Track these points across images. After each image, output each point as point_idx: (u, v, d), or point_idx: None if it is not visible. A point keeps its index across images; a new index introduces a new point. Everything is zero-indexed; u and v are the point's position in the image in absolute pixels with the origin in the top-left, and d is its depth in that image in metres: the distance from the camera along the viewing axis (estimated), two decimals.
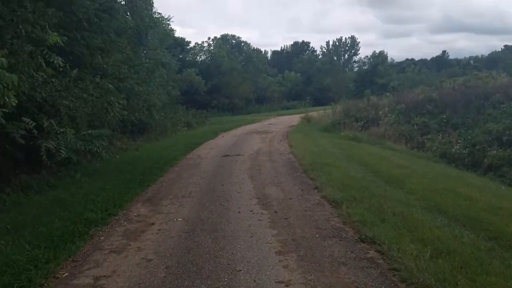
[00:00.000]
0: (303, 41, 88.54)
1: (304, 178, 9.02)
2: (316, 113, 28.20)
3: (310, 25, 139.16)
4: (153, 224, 6.26)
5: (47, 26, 6.59)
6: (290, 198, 7.38)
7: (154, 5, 23.62)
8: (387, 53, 73.46)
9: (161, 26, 21.09)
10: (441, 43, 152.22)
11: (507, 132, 13.97)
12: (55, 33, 6.13)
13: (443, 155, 14.15)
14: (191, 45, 42.99)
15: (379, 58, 66.23)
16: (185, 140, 17.82)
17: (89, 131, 6.87)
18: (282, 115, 35.97)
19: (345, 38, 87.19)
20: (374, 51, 74.64)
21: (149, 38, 12.65)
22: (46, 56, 6.28)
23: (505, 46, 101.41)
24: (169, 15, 50.43)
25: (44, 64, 6.37)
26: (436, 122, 17.53)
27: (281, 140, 17.05)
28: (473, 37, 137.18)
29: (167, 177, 10.02)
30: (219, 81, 41.38)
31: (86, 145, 6.70)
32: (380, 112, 18.92)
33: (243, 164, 11.40)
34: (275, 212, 6.58)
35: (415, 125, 17.33)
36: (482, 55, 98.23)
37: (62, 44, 6.57)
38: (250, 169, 10.56)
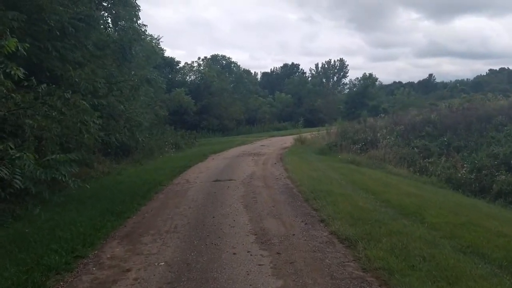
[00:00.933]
0: (292, 63, 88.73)
1: (306, 209, 7.94)
2: (309, 134, 27.36)
3: (298, 48, 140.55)
4: (128, 270, 5.10)
5: (7, 32, 5.53)
6: (293, 234, 6.28)
7: (141, 18, 22.92)
8: (375, 76, 73.78)
9: (146, 41, 20.21)
10: (427, 67, 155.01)
11: None
12: (14, 39, 5.09)
13: (448, 180, 13.24)
14: (181, 65, 42.25)
15: (369, 80, 66.27)
16: (172, 163, 16.68)
17: (53, 156, 5.74)
18: (273, 136, 35.06)
19: (334, 61, 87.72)
20: (365, 73, 74.83)
21: (133, 52, 11.64)
22: (1, 66, 5.21)
23: (490, 70, 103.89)
24: (159, 35, 49.94)
25: (1, 76, 5.31)
26: (436, 145, 16.70)
27: (275, 163, 16.01)
28: (457, 61, 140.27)
29: (150, 206, 8.86)
30: (209, 101, 40.48)
31: (48, 173, 5.57)
32: (378, 134, 18.05)
33: (236, 190, 10.29)
34: (278, 253, 5.47)
35: (415, 148, 16.47)
36: (467, 79, 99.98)
37: (25, 54, 5.51)
38: (244, 196, 9.46)
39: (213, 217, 7.57)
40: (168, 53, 46.79)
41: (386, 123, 20.30)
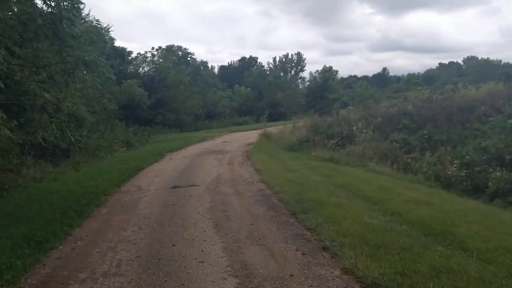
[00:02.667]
0: (250, 56, 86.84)
1: (297, 228, 6.02)
2: (274, 129, 25.58)
3: (256, 41, 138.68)
4: None
5: None
6: (291, 275, 4.34)
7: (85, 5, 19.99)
8: (335, 69, 73.52)
9: (90, 23, 17.54)
10: (380, 61, 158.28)
11: (508, 149, 11.99)
12: None
13: (436, 178, 11.85)
14: (133, 55, 39.08)
15: (329, 73, 65.64)
16: (122, 164, 14.28)
17: None
18: (235, 131, 33.00)
19: (292, 54, 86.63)
20: (325, 65, 74.40)
21: (68, 29, 9.22)
22: None
23: (440, 63, 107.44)
24: (108, 24, 46.30)
25: None
26: (416, 139, 15.42)
27: (242, 163, 14.03)
28: (408, 55, 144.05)
29: (86, 229, 6.62)
30: (165, 94, 37.68)
31: None
32: (354, 128, 16.53)
33: (200, 200, 8.22)
34: None
35: (394, 142, 15.08)
36: (418, 73, 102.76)
37: None
38: (212, 210, 7.42)
39: (173, 246, 5.48)
40: (119, 44, 43.56)
41: (359, 116, 18.84)
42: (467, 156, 12.47)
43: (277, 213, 6.93)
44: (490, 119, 15.16)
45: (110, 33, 34.43)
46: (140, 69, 39.54)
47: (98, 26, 18.25)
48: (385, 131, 16.44)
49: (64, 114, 6.83)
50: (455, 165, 12.21)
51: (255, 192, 8.87)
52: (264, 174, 10.90)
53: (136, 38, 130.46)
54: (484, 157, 12.48)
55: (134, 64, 39.09)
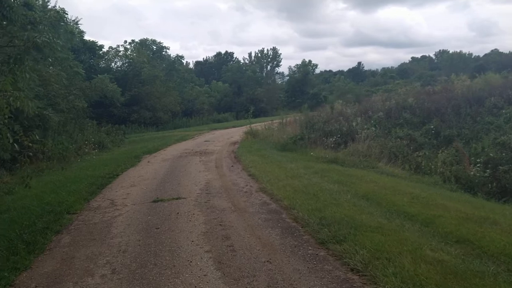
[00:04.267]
0: (226, 51, 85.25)
1: (335, 267, 4.34)
2: (259, 126, 23.87)
3: (230, 37, 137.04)
4: None
5: None
6: None
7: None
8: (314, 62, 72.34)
9: (51, 10, 15.35)
10: (353, 56, 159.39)
11: None
12: None
13: (457, 180, 10.44)
14: (105, 49, 36.51)
15: (309, 67, 64.34)
16: (93, 170, 12.31)
17: None
18: (216, 129, 31.18)
19: (267, 50, 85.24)
20: (304, 59, 73.07)
21: (17, 8, 7.29)
22: None
23: (412, 58, 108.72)
24: (77, 17, 43.49)
25: None
26: (422, 134, 14.03)
27: (232, 166, 12.29)
28: (381, 50, 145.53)
29: (36, 274, 4.77)
30: (139, 91, 35.37)
31: None
32: (354, 124, 14.97)
33: (191, 221, 6.45)
34: None
35: (398, 139, 13.64)
36: (392, 67, 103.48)
37: None
38: (209, 236, 5.67)
39: None
40: (90, 39, 40.61)
41: (356, 111, 17.29)
42: (490, 154, 11.06)
43: (297, 240, 5.24)
44: (503, 111, 13.92)
45: (79, 26, 31.97)
46: (113, 64, 37.08)
47: (62, 13, 16.05)
48: (386, 127, 14.99)
49: (3, 114, 4.95)
50: (478, 165, 10.82)
51: (258, 207, 7.16)
52: (262, 181, 9.19)
53: (108, 35, 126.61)
54: (504, 153, 11.15)
55: (105, 58, 36.58)
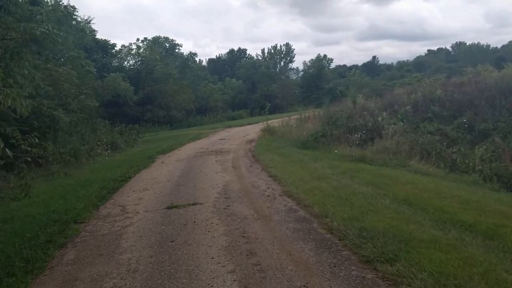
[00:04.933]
0: (239, 48, 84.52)
1: None
2: (276, 122, 23.07)
3: (243, 34, 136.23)
4: None
5: None
6: None
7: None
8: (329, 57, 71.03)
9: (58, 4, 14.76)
10: (368, 50, 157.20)
11: None
12: None
13: (499, 178, 9.49)
14: (117, 48, 36.06)
15: (324, 61, 63.09)
16: (104, 173, 11.71)
17: None
18: (230, 126, 30.47)
19: (280, 46, 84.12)
20: (319, 54, 71.83)
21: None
22: None
23: (428, 50, 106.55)
24: (90, 16, 43.25)
25: None
26: (453, 129, 13.04)
27: (251, 166, 11.54)
28: (396, 43, 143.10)
29: None
30: (153, 89, 34.86)
31: None
32: (380, 119, 14.03)
33: (210, 232, 5.71)
34: None
35: (428, 134, 12.67)
36: (407, 60, 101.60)
37: None
38: (231, 252, 4.92)
39: None
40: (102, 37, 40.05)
41: (380, 105, 16.31)
42: None
43: (336, 257, 4.45)
44: None
45: (91, 25, 31.59)
46: (125, 62, 36.64)
47: (72, 10, 15.42)
48: (414, 121, 14.02)
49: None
50: None
51: (284, 214, 6.38)
52: (285, 184, 8.41)
53: (121, 35, 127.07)
54: None
55: (118, 57, 36.14)
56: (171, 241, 5.46)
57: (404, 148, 11.42)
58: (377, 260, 4.12)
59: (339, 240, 4.93)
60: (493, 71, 20.13)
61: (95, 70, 22.12)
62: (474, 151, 11.12)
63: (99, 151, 16.75)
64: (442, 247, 4.22)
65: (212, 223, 6.16)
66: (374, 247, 4.38)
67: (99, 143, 17.33)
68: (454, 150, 11.48)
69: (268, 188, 8.40)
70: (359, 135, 13.10)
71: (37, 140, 5.44)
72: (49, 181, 11.35)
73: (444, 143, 11.90)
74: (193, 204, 7.40)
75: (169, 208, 7.31)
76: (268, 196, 7.68)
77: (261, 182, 9.05)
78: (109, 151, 17.41)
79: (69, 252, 5.40)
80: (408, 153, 11.22)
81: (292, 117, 21.78)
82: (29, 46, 5.91)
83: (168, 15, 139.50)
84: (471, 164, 10.33)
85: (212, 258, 4.73)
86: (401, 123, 13.49)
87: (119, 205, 7.85)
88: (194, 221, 6.32)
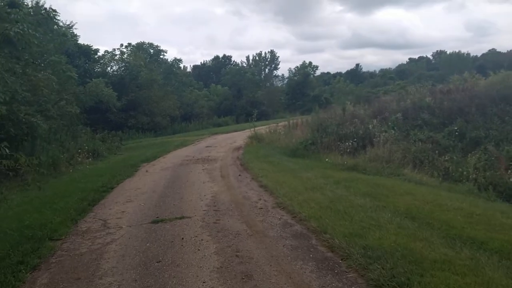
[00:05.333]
0: (224, 55, 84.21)
1: None
2: (263, 129, 22.67)
3: (227, 41, 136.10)
4: None
5: None
6: None
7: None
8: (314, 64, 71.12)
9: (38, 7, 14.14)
10: (351, 58, 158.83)
11: None
12: None
13: (494, 187, 9.23)
14: (100, 53, 35.25)
15: (309, 68, 63.17)
16: (85, 183, 11.09)
17: None
18: (216, 133, 29.97)
19: (265, 53, 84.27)
20: (304, 61, 71.91)
21: None
22: None
23: (410, 59, 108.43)
24: (72, 21, 42.35)
25: None
26: (444, 137, 12.83)
27: (239, 175, 11.08)
28: (379, 51, 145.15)
29: None
30: (137, 95, 34.13)
31: None
32: (371, 126, 13.73)
33: (200, 250, 5.23)
34: None
35: (419, 142, 12.42)
36: (390, 68, 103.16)
37: None
38: (225, 274, 4.44)
39: None
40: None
41: (370, 112, 16.02)
42: None
43: (341, 281, 4.02)
44: None
45: (73, 30, 30.82)
46: (108, 68, 35.82)
47: (52, 13, 14.79)
48: (404, 129, 13.78)
49: None
50: None
51: (279, 229, 5.94)
52: (278, 195, 7.98)
53: (105, 41, 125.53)
54: None
55: (101, 63, 35.33)
56: (157, 262, 4.96)
57: (396, 156, 11.14)
58: (388, 284, 3.70)
59: (342, 259, 4.51)
60: (479, 79, 20.15)
61: (77, 75, 21.42)
62: (467, 160, 10.91)
63: (79, 159, 16.08)
64: (457, 268, 3.83)
65: (202, 239, 5.68)
66: (383, 269, 3.97)
67: (79, 151, 16.65)
68: (447, 158, 11.25)
69: (260, 199, 7.96)
70: (350, 143, 12.78)
71: (7, 151, 4.91)
72: (24, 192, 10.68)
73: (436, 151, 11.66)
74: (180, 218, 6.91)
75: (154, 222, 6.80)
76: (261, 208, 7.23)
77: (252, 193, 8.60)
78: (90, 159, 16.73)
79: (42, 276, 4.85)
80: (400, 161, 10.93)
81: (279, 124, 21.40)
82: (1, 48, 5.37)
83: (152, 22, 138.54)
84: (464, 172, 10.09)
85: (204, 282, 4.25)
86: (392, 130, 13.25)
87: (100, 219, 7.30)
88: (182, 238, 5.83)
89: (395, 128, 13.67)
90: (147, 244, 5.65)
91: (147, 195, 9.18)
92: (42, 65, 16.70)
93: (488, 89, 14.83)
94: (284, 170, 10.71)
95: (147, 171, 13.10)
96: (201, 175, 11.57)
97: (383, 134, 12.71)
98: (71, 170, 14.49)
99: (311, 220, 5.94)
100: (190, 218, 6.90)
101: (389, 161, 10.87)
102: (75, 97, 20.28)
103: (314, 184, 8.51)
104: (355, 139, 13.01)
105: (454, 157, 11.24)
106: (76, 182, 11.62)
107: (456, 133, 12.86)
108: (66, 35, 23.76)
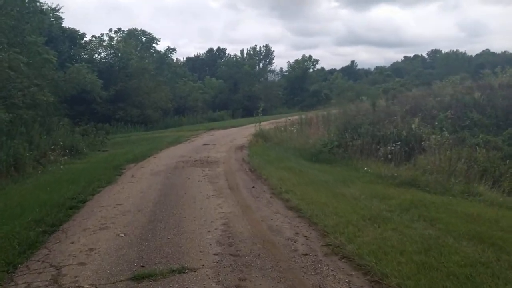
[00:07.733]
0: (219, 47, 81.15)
1: None
2: (266, 125, 20.02)
3: (222, 35, 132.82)
4: None
5: None
6: None
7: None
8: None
9: None
10: (345, 55, 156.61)
11: None
12: None
13: None
14: (87, 38, 32.20)
15: (309, 62, 60.50)
16: (48, 193, 8.40)
17: None
18: (213, 128, 27.22)
19: (260, 47, 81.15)
20: (304, 54, 69.15)
21: None
22: None
23: (405, 57, 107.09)
24: (58, 4, 39.16)
25: None
26: (504, 141, 10.36)
27: (253, 187, 8.48)
28: (372, 49, 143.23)
29: None
30: (126, 85, 31.21)
31: None
32: (413, 126, 11.07)
33: None
34: None
35: (476, 147, 9.90)
36: (384, 66, 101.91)
37: None
38: None
39: None
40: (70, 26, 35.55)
41: (405, 110, 13.37)
42: None
43: None
44: None
45: (59, 13, 27.85)
46: (96, 55, 32.82)
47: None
48: (452, 130, 11.23)
49: None
50: None
51: None
52: (323, 227, 5.38)
53: (96, 32, 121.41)
54: None
55: (88, 49, 32.30)
56: None
57: (459, 166, 8.61)
58: None
59: None
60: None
61: (56, 59, 18.56)
62: None
63: (52, 157, 13.31)
64: None
65: None
66: None
67: (53, 147, 13.87)
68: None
69: (297, 234, 5.34)
70: (392, 147, 10.18)
71: None
72: None
73: (507, 161, 9.18)
74: (178, 272, 4.26)
75: (136, 278, 4.15)
76: (305, 255, 4.61)
77: (281, 221, 5.98)
78: (66, 157, 13.97)
79: None
80: (464, 173, 8.43)
81: (281, 120, 18.76)
82: None
83: (145, 13, 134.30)
84: None
85: None
86: (445, 132, 10.68)
87: (52, 266, 4.63)
88: None
89: (443, 129, 11.12)
90: None
91: (130, 216, 6.52)
92: (6, 45, 13.82)
93: None
94: (314, 183, 8.10)
95: (133, 176, 10.43)
96: (203, 185, 8.94)
97: (433, 136, 10.14)
98: (39, 172, 11.76)
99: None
100: (194, 272, 4.27)
101: (449, 173, 8.35)
102: (53, 84, 17.42)
103: (370, 210, 5.91)
104: (399, 142, 10.38)
105: None
106: (40, 190, 8.91)
107: None
108: (46, 13, 20.80)
